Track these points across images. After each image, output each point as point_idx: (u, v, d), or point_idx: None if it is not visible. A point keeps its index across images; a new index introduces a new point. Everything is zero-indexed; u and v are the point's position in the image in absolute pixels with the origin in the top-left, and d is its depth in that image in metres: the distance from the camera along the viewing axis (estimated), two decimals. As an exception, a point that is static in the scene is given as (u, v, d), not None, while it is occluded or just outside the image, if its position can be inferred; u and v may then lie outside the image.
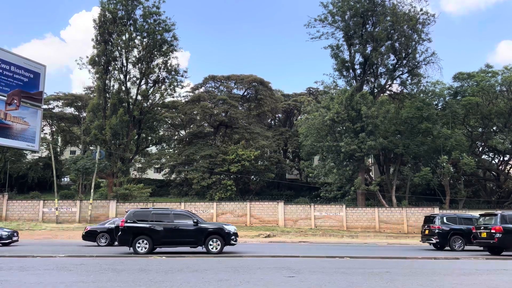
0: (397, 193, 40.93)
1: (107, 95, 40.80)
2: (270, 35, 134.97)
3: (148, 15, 40.95)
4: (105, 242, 20.38)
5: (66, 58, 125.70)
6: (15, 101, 15.77)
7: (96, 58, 39.83)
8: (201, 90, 53.34)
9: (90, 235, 20.86)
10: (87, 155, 41.39)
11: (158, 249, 16.50)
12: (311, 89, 58.04)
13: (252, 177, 48.52)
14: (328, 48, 40.80)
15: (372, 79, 42.10)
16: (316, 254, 15.96)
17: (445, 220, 20.70)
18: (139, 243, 15.22)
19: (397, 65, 41.02)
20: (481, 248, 18.56)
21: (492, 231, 16.60)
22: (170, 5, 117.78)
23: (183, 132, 56.61)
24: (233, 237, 15.78)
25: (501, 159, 47.21)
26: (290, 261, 13.33)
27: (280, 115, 61.12)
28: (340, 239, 29.25)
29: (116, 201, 35.63)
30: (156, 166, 54.79)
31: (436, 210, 36.23)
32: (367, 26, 40.25)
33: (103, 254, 15.02)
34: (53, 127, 58.36)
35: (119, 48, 40.76)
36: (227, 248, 16.67)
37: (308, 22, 40.75)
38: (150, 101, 43.66)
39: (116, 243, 17.21)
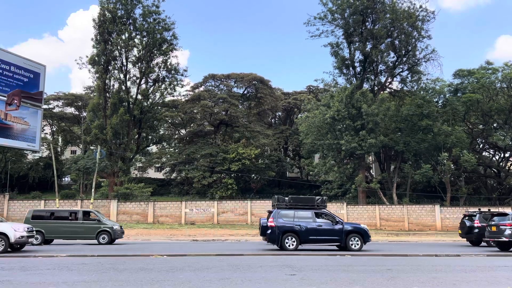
0: (397, 190, 40.94)
1: (107, 94, 40.79)
2: (269, 33, 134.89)
3: (148, 14, 40.90)
4: None
5: (64, 58, 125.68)
6: (16, 101, 15.78)
7: (96, 58, 39.79)
8: (201, 89, 53.33)
9: None
10: (87, 154, 41.44)
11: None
12: (311, 87, 57.99)
13: (253, 175, 48.53)
14: (328, 46, 40.81)
15: (372, 77, 42.06)
16: (317, 252, 15.98)
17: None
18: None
19: (397, 63, 40.96)
20: None
21: None
22: (169, 3, 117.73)
23: (183, 131, 56.63)
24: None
25: (502, 155, 47.21)
26: (292, 258, 13.34)
27: (280, 113, 61.09)
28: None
29: (117, 201, 35.69)
30: (157, 165, 54.83)
31: (437, 208, 36.30)
32: (367, 23, 40.19)
33: (102, 254, 15.03)
34: (53, 127, 58.41)
35: (118, 47, 40.73)
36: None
37: (307, 20, 40.73)
38: (150, 100, 43.63)
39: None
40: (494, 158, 49.30)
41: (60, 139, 58.12)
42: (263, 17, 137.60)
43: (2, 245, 14.89)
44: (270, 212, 17.23)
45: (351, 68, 41.17)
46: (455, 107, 40.70)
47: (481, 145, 48.30)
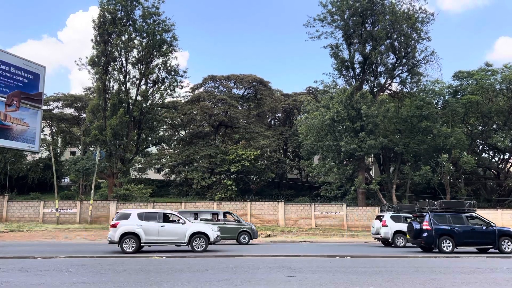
0: (397, 192, 40.92)
1: (107, 95, 40.73)
2: (269, 34, 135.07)
3: (148, 15, 40.89)
4: None
5: (64, 59, 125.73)
6: (15, 102, 15.76)
7: (96, 59, 39.76)
8: (201, 90, 53.33)
9: None
10: (87, 155, 41.37)
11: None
12: (311, 88, 58.01)
13: (252, 176, 48.51)
14: (327, 47, 40.73)
15: (372, 78, 42.05)
16: (316, 254, 15.96)
17: None
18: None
19: (396, 64, 40.97)
20: None
21: None
22: (169, 4, 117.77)
23: (183, 132, 56.61)
24: None
25: (501, 157, 47.21)
26: (291, 260, 13.34)
27: (280, 114, 61.11)
28: (340, 239, 29.26)
29: (116, 202, 35.66)
30: (156, 167, 54.83)
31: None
32: (366, 25, 40.21)
33: (101, 255, 15.01)
34: (53, 128, 58.39)
35: (118, 48, 40.68)
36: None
37: (307, 22, 40.65)
38: (150, 101, 43.58)
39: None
40: (493, 160, 49.30)
41: (59, 140, 58.10)
42: (263, 18, 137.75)
43: (203, 243, 16.08)
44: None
45: (350, 70, 41.17)
46: (454, 108, 40.70)
47: (481, 147, 48.28)
